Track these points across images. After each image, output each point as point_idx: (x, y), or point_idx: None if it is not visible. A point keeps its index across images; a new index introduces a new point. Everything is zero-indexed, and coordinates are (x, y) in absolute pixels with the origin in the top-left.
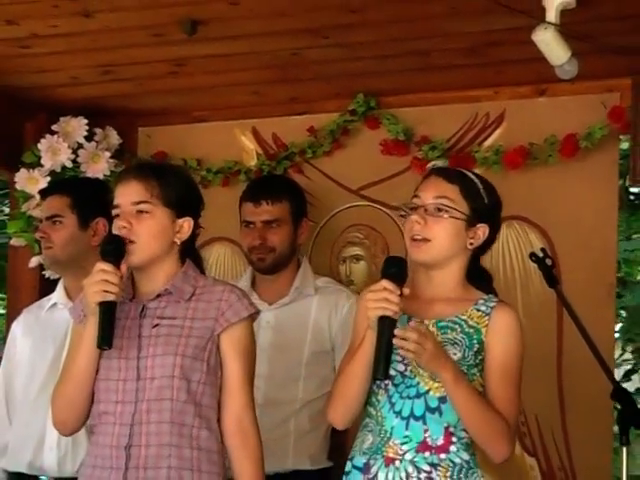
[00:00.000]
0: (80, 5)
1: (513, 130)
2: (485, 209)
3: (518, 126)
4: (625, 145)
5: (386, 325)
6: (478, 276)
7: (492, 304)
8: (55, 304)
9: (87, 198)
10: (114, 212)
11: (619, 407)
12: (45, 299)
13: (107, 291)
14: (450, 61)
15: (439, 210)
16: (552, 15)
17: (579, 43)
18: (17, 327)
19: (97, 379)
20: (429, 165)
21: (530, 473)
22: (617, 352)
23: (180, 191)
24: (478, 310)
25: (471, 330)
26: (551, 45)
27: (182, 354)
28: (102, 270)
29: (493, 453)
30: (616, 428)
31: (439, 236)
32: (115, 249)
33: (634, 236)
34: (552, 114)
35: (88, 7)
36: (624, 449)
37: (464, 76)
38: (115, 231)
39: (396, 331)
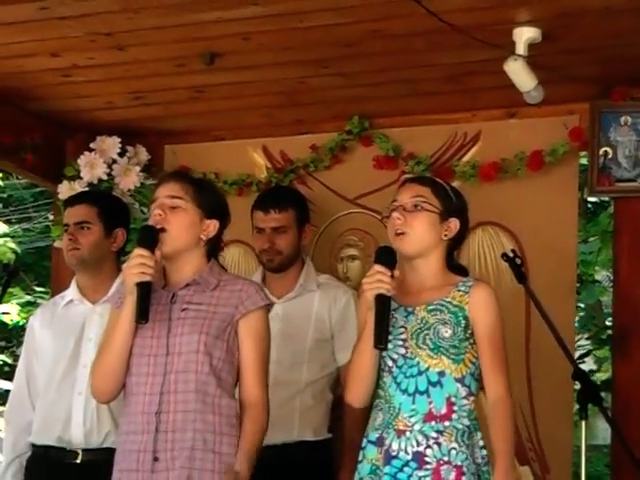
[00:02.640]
0: (114, 40)
1: (487, 148)
2: (454, 206)
3: (491, 144)
4: (584, 160)
5: (382, 301)
6: (456, 266)
7: (470, 284)
8: (71, 300)
9: (112, 210)
10: (152, 205)
11: (579, 386)
12: (58, 297)
13: (144, 272)
14: (433, 88)
15: (415, 206)
16: (521, 48)
17: (544, 73)
18: (35, 321)
19: (131, 355)
20: (402, 177)
21: None
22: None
23: (210, 197)
24: (459, 291)
25: (456, 309)
26: (520, 74)
27: (206, 333)
28: (140, 255)
29: None
30: (576, 405)
31: (417, 228)
32: (150, 238)
33: (590, 239)
34: (521, 134)
35: (121, 42)
36: (583, 423)
37: (445, 101)
38: (150, 219)
39: None
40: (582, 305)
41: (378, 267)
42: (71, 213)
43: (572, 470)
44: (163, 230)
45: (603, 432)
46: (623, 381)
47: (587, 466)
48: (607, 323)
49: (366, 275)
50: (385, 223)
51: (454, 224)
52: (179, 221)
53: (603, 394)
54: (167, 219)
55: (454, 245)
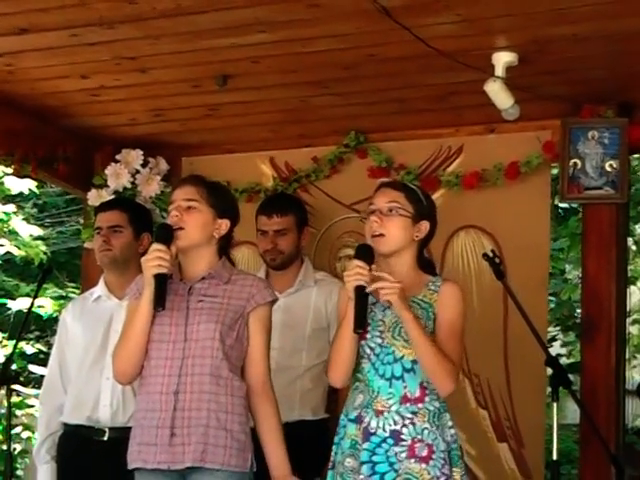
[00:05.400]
0: (137, 64)
1: (469, 159)
2: (425, 209)
3: (473, 156)
4: (555, 171)
5: (360, 291)
6: (425, 264)
7: (439, 283)
8: (100, 296)
9: (140, 216)
10: (170, 207)
11: (551, 372)
12: (87, 293)
13: (161, 265)
14: (421, 106)
15: (390, 210)
16: (499, 71)
17: (520, 92)
18: (67, 315)
19: (151, 341)
20: (378, 181)
21: (483, 423)
22: None
23: (222, 198)
24: (429, 289)
25: (427, 305)
26: (498, 94)
27: (221, 322)
28: (157, 249)
29: (440, 387)
30: (548, 388)
31: (392, 230)
32: (166, 234)
33: (561, 240)
34: (499, 147)
35: (143, 65)
36: (554, 404)
37: (432, 118)
38: (168, 219)
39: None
40: (553, 298)
41: (357, 262)
42: (104, 218)
43: (545, 446)
44: (180, 229)
45: (572, 412)
46: (590, 367)
47: (558, 443)
48: (575, 314)
49: (347, 269)
50: (364, 222)
51: (425, 226)
52: (194, 220)
53: (572, 377)
54: (183, 219)
55: (423, 244)
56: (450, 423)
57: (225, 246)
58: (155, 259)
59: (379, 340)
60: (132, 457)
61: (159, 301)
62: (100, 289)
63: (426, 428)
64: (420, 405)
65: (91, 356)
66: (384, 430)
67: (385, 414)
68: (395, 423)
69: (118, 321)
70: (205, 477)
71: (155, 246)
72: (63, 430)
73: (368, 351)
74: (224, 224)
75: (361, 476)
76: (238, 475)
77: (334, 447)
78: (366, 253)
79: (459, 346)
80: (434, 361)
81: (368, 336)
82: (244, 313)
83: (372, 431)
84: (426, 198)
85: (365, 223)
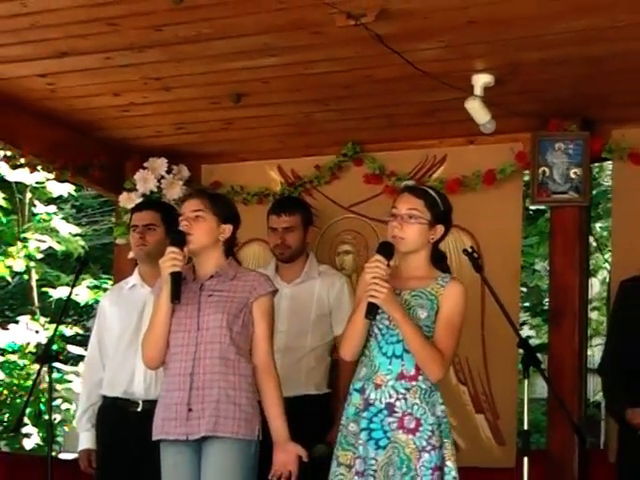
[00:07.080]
0: (162, 83)
1: (452, 167)
2: (441, 214)
3: (455, 164)
4: (526, 177)
5: None
6: (437, 257)
7: (447, 280)
8: (134, 285)
9: (170, 216)
10: (180, 218)
11: (522, 352)
12: (123, 282)
13: (175, 265)
14: (410, 121)
15: (410, 217)
16: (478, 90)
17: (496, 109)
18: (105, 301)
19: (171, 331)
20: (403, 184)
21: (462, 397)
22: None
23: (224, 207)
24: (437, 284)
25: (432, 297)
26: (477, 110)
27: (228, 312)
28: (172, 252)
29: (429, 373)
30: (520, 366)
31: (410, 235)
32: (179, 239)
33: (532, 238)
34: (478, 156)
35: (168, 84)
36: (525, 381)
37: (419, 131)
38: (180, 228)
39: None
40: (524, 288)
41: (378, 257)
42: (140, 217)
43: (517, 417)
44: (190, 235)
45: (541, 388)
46: (557, 348)
47: (528, 414)
48: (542, 302)
49: (369, 261)
50: (389, 222)
51: (440, 230)
52: (201, 228)
53: (540, 357)
54: (192, 227)
55: (438, 242)
56: (440, 400)
57: (230, 247)
58: (170, 260)
59: (386, 322)
60: (157, 430)
61: (175, 295)
62: (135, 279)
63: (416, 404)
64: (414, 383)
65: (127, 337)
66: (380, 402)
67: (382, 387)
68: (390, 396)
69: (150, 307)
70: (217, 444)
71: (170, 249)
72: (102, 402)
73: (376, 331)
74: (227, 229)
75: (360, 440)
76: (245, 442)
77: (344, 412)
78: (387, 249)
79: (453, 340)
80: (423, 351)
81: (378, 317)
82: (248, 303)
83: (371, 402)
84: (443, 202)
85: (388, 224)
